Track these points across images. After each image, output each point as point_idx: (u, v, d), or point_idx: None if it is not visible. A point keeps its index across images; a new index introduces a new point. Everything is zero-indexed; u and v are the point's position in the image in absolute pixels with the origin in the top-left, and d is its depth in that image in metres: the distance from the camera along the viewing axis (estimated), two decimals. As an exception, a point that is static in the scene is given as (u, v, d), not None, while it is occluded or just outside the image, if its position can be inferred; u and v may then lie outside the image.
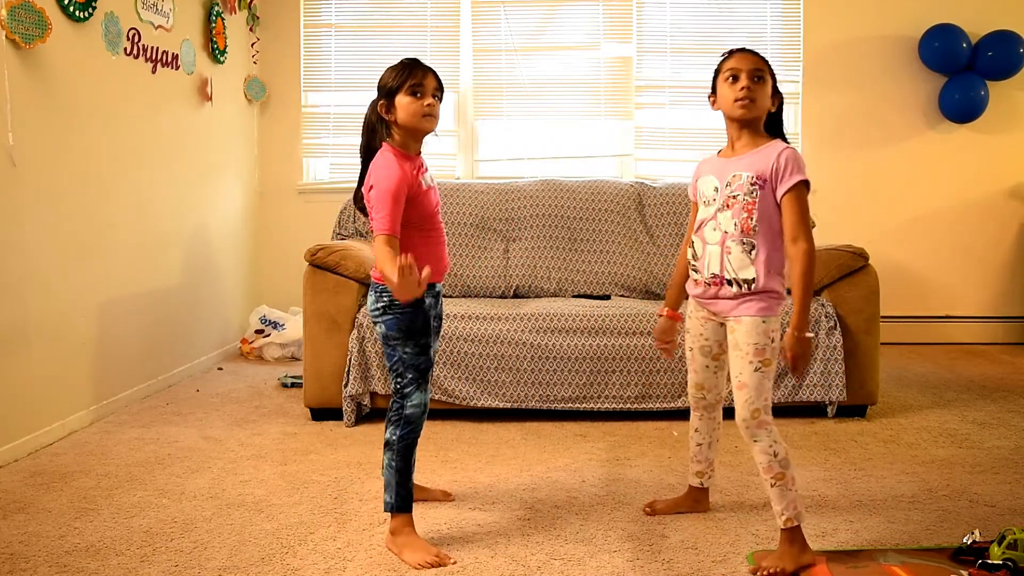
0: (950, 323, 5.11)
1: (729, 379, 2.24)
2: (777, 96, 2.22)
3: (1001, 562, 2.01)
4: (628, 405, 3.40)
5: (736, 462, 2.91)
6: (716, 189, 2.21)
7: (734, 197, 2.16)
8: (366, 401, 3.39)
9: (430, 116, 2.26)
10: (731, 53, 2.23)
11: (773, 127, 2.24)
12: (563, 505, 2.53)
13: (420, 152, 2.33)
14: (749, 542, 2.26)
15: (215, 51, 4.45)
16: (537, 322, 3.42)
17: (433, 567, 2.12)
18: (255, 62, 5.06)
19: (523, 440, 3.19)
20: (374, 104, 2.28)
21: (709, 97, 2.29)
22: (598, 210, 4.10)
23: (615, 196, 4.13)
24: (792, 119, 5.09)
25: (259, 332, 4.69)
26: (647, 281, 3.98)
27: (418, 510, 2.48)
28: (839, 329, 3.38)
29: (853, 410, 3.46)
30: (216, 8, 4.43)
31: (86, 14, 3.27)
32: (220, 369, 4.39)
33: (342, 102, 5.14)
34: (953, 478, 2.74)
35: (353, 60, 5.13)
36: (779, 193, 2.13)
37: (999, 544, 2.05)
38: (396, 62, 2.26)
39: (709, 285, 2.21)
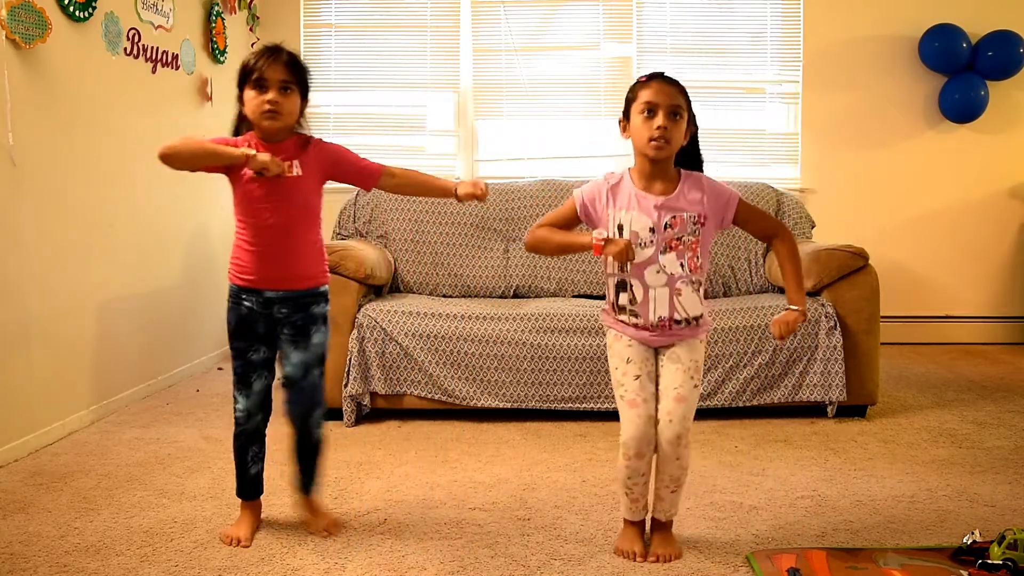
0: (950, 323, 5.11)
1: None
2: (691, 127, 2.09)
3: (1001, 562, 2.01)
4: (628, 405, 3.40)
5: (736, 462, 2.91)
6: (652, 231, 2.07)
7: (678, 239, 2.07)
8: (366, 401, 3.39)
9: (271, 113, 2.00)
10: (649, 79, 2.05)
11: (690, 159, 2.14)
12: (563, 505, 2.53)
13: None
14: (749, 542, 2.26)
15: (215, 51, 4.45)
16: (537, 322, 3.42)
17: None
18: (255, 62, 5.05)
19: (523, 440, 3.19)
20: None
21: (620, 122, 2.11)
22: (598, 210, 4.10)
23: (615, 196, 4.12)
24: (792, 119, 5.09)
25: (259, 332, 4.68)
26: (647, 281, 3.98)
27: (419, 511, 2.48)
28: (839, 329, 3.38)
29: (853, 410, 3.45)
30: (216, 8, 4.43)
31: (86, 14, 3.27)
32: (220, 369, 4.39)
33: (342, 102, 5.14)
34: (953, 478, 2.74)
35: (353, 60, 5.13)
36: (728, 219, 2.11)
37: (999, 544, 2.05)
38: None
39: (655, 327, 2.10)
